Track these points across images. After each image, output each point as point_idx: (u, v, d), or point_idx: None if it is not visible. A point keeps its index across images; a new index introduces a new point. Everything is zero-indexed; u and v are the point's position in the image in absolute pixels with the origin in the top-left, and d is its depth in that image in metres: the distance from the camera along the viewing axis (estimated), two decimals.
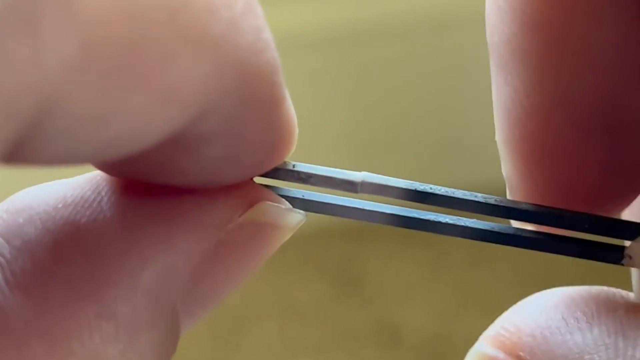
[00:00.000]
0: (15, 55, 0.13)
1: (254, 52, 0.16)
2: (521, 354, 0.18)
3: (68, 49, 0.14)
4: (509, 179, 0.22)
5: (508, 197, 0.22)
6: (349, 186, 0.20)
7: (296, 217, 0.19)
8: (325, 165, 0.20)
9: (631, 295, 0.19)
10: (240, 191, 0.19)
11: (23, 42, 0.13)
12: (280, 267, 0.84)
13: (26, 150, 0.15)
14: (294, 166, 0.20)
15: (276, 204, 0.19)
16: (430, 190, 0.20)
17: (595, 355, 0.17)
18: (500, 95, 0.21)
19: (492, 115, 0.21)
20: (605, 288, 0.19)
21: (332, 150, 0.82)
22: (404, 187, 0.20)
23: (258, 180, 0.19)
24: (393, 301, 0.84)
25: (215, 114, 0.16)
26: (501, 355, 0.19)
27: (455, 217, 0.20)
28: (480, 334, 0.19)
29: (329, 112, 0.80)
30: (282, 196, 0.20)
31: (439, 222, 0.20)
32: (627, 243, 0.20)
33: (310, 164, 0.20)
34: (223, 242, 0.18)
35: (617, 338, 0.18)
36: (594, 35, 0.19)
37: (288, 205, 0.19)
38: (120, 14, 0.14)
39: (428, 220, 0.20)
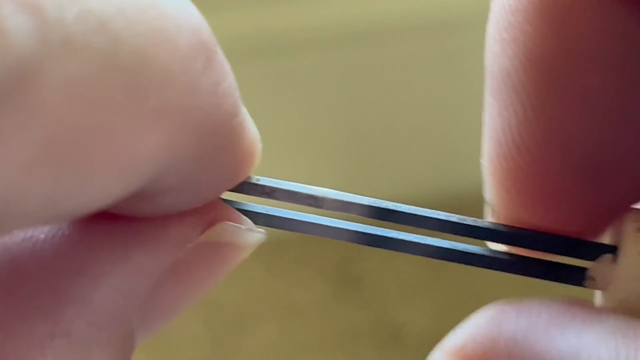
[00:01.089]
0: None
1: (211, 109, 0.17)
2: None
3: (28, 147, 0.14)
4: (491, 202, 0.22)
5: (488, 217, 0.22)
6: (313, 201, 0.20)
7: (256, 237, 0.20)
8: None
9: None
10: (200, 210, 0.19)
11: None
12: (280, 267, 0.84)
13: None
14: (257, 180, 0.20)
15: (236, 225, 0.19)
16: (393, 208, 0.20)
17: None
18: (492, 125, 0.21)
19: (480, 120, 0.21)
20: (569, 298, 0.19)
21: (325, 150, 0.82)
22: (367, 204, 0.20)
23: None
24: (393, 301, 0.84)
25: (172, 172, 0.17)
26: None
27: (418, 236, 0.20)
28: None
29: (321, 113, 0.80)
30: (246, 211, 0.20)
31: (402, 240, 0.20)
32: (590, 264, 0.20)
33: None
34: (181, 260, 0.18)
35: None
36: (593, 79, 0.19)
37: (249, 223, 0.20)
38: (79, 104, 0.14)
39: (391, 238, 0.20)
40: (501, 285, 0.83)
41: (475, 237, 0.20)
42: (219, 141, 0.17)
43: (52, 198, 0.15)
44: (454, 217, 0.20)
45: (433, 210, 0.20)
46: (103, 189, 0.15)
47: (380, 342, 0.82)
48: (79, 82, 0.14)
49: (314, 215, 0.20)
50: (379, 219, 0.20)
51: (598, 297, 0.20)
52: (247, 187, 0.20)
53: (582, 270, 0.20)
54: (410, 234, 0.20)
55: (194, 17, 0.16)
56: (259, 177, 0.20)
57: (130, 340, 0.18)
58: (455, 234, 0.20)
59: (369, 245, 0.20)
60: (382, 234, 0.20)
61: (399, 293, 0.84)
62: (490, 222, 0.20)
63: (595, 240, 0.20)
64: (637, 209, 0.20)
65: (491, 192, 0.21)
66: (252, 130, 0.18)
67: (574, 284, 0.20)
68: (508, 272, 0.20)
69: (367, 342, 0.82)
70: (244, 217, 0.20)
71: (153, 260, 0.18)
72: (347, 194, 0.20)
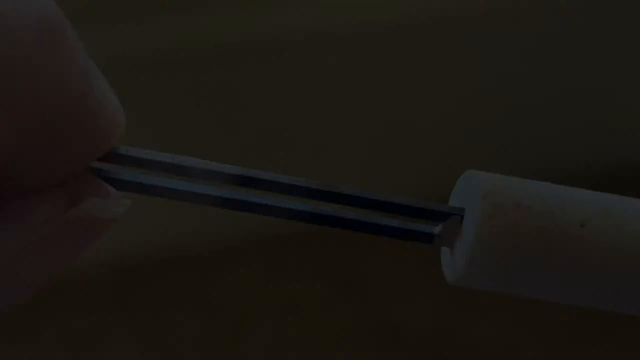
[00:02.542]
0: None
1: (58, 93, 0.17)
2: None
3: None
4: None
5: None
6: (181, 170, 0.21)
7: (121, 210, 0.20)
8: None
9: None
10: (67, 185, 0.19)
11: None
12: (280, 267, 0.85)
13: None
14: (127, 150, 0.20)
15: (102, 200, 0.20)
16: (256, 175, 0.21)
17: None
18: None
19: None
20: None
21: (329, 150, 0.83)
22: (232, 172, 0.21)
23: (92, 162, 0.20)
24: (393, 301, 0.84)
25: (23, 157, 0.17)
26: None
27: (279, 200, 0.21)
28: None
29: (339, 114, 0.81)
30: (115, 179, 0.20)
31: (264, 204, 0.21)
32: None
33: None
34: (48, 235, 0.19)
35: None
36: None
37: (115, 196, 0.20)
38: None
39: (253, 202, 0.21)
40: None
41: (335, 202, 0.21)
42: (70, 122, 0.17)
43: None
44: (314, 184, 0.21)
45: (293, 177, 0.21)
46: None
47: (380, 342, 0.82)
48: None
49: (181, 182, 0.21)
50: (244, 185, 0.21)
51: (445, 255, 0.21)
52: (117, 157, 0.20)
53: (431, 229, 0.21)
54: (272, 199, 0.21)
55: (39, 3, 0.16)
56: (127, 148, 0.20)
57: None
58: (315, 198, 0.21)
59: (235, 210, 0.21)
60: (246, 198, 0.21)
61: (399, 293, 0.84)
62: (348, 187, 0.21)
63: (442, 204, 0.21)
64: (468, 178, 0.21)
65: None
66: (111, 104, 0.18)
67: (424, 243, 0.21)
68: (364, 232, 0.21)
69: (367, 342, 0.82)
70: (111, 189, 0.20)
71: (15, 237, 0.18)
72: (212, 162, 0.21)
